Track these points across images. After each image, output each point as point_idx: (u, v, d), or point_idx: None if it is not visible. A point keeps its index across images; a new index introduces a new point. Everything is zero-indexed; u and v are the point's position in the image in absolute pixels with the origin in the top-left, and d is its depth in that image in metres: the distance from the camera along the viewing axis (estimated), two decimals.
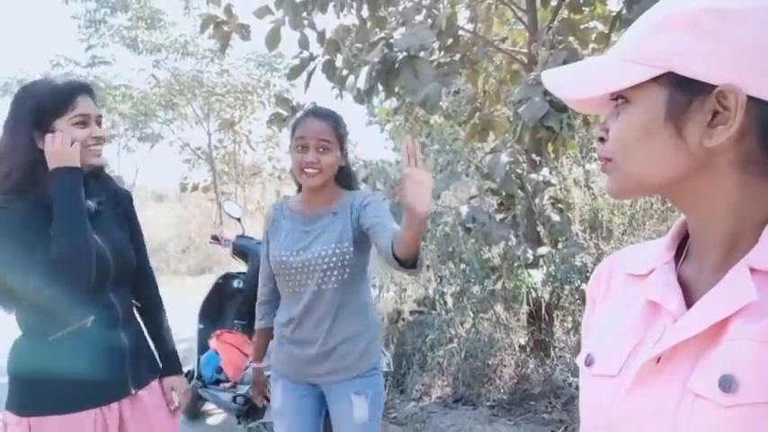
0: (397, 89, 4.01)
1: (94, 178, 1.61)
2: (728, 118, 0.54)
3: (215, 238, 3.61)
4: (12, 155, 1.44)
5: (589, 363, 0.63)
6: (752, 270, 0.54)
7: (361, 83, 4.04)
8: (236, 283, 3.53)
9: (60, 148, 1.42)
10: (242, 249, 3.49)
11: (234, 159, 12.03)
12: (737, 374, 0.49)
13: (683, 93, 0.55)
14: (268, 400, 1.81)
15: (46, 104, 1.45)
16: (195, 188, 11.96)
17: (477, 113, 5.12)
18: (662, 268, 0.63)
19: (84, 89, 1.51)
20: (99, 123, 1.53)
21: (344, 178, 1.81)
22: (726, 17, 0.54)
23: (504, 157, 4.70)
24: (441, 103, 4.76)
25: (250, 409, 2.84)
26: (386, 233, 1.54)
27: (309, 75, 4.33)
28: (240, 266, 3.66)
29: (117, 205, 1.65)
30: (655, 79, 0.56)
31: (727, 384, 0.50)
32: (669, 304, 0.58)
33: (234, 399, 2.86)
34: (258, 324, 1.88)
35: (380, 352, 1.85)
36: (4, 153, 1.45)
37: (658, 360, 0.55)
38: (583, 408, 0.63)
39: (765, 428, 0.48)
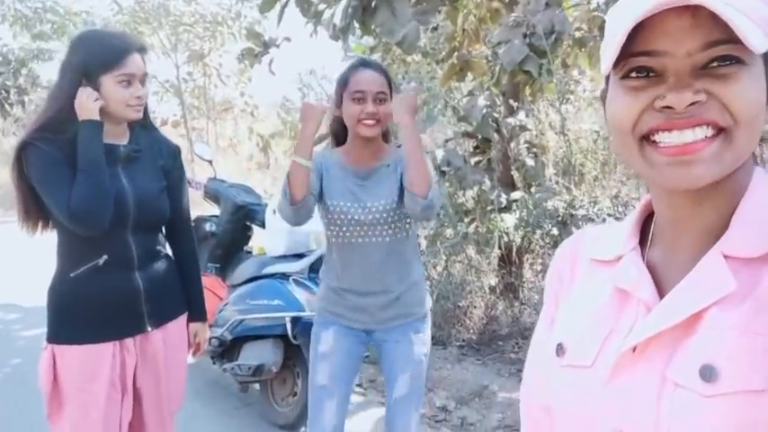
0: (373, 27, 3.87)
1: (143, 128, 1.71)
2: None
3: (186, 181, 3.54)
4: (58, 98, 1.56)
5: (560, 353, 0.62)
6: (725, 257, 0.53)
7: (337, 19, 3.89)
8: (208, 227, 3.48)
9: (84, 102, 1.53)
10: (214, 193, 3.43)
11: (204, 94, 11.66)
12: (717, 364, 0.50)
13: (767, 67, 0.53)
14: None
15: (96, 60, 1.54)
16: (164, 123, 11.60)
17: (456, 53, 5.00)
18: (629, 254, 0.61)
19: (135, 48, 1.59)
20: (143, 82, 1.61)
21: (386, 132, 1.84)
22: None
23: (482, 101, 4.65)
24: (418, 42, 4.64)
25: (225, 351, 2.88)
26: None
27: (283, 7, 4.14)
28: (212, 209, 3.61)
29: (158, 156, 1.72)
30: None
31: (707, 374, 0.50)
32: (641, 293, 0.57)
33: (209, 341, 2.89)
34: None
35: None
36: (53, 94, 1.59)
37: (634, 349, 0.55)
38: (556, 399, 0.62)
39: (747, 416, 0.48)
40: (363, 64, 1.76)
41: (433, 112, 5.60)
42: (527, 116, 4.65)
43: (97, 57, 1.54)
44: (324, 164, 1.80)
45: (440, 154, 4.60)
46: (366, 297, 1.78)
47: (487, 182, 4.49)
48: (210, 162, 3.52)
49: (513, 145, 4.60)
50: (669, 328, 0.53)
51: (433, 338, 3.83)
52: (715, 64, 0.51)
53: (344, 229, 1.75)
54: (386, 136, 1.85)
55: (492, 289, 4.21)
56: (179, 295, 1.80)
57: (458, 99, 5.52)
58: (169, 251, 1.81)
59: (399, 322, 1.80)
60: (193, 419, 2.86)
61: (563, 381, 0.61)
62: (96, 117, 1.54)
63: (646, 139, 0.54)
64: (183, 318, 1.81)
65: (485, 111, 4.55)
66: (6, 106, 14.57)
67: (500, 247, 4.23)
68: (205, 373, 3.35)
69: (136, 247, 1.64)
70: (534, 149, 4.86)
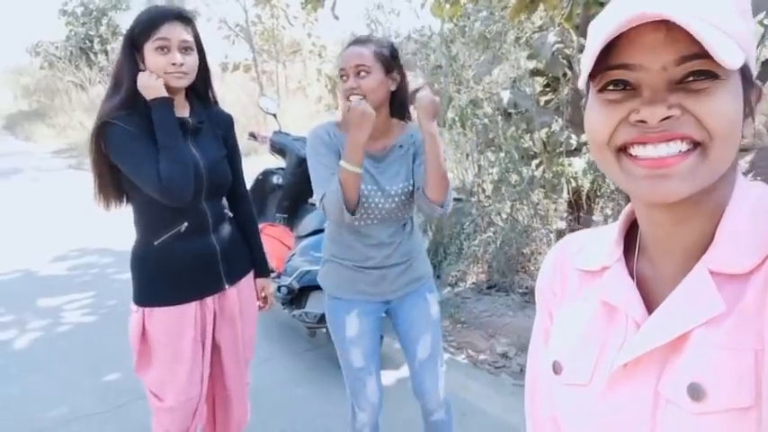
0: None
1: (199, 100, 1.78)
2: (750, 112, 0.55)
3: (252, 135, 3.64)
4: (119, 73, 1.64)
5: (557, 370, 0.63)
6: (711, 273, 0.53)
7: None
8: (275, 179, 3.61)
9: (146, 82, 1.59)
10: (279, 146, 3.52)
11: (273, 36, 11.70)
12: (704, 383, 0.50)
13: (746, 83, 0.54)
14: None
15: (137, 29, 1.61)
16: (236, 68, 11.82)
17: None
18: (615, 266, 0.61)
19: (173, 15, 1.62)
20: (184, 50, 1.63)
21: (398, 108, 1.77)
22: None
23: (552, 37, 4.41)
24: None
25: (294, 299, 3.05)
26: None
27: None
28: (279, 162, 3.72)
29: (216, 127, 1.81)
30: None
31: (694, 393, 0.50)
32: (630, 310, 0.58)
33: (278, 288, 3.06)
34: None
35: None
36: (114, 69, 1.67)
37: (625, 365, 0.56)
38: (560, 413, 0.64)
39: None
40: (352, 42, 1.71)
41: (505, 43, 5.33)
42: None
43: (137, 26, 1.61)
44: (339, 146, 1.73)
45: (506, 96, 4.45)
46: (384, 269, 1.78)
47: (557, 123, 4.32)
48: (275, 115, 3.60)
49: None
50: (658, 347, 0.54)
51: (495, 285, 3.89)
52: (691, 78, 0.50)
53: (366, 212, 1.72)
54: (402, 112, 1.78)
55: (559, 234, 4.14)
56: (247, 254, 1.92)
57: (527, 34, 5.25)
58: (231, 213, 1.91)
59: (414, 287, 1.82)
60: (266, 360, 3.08)
61: (563, 398, 0.63)
62: (164, 93, 1.60)
63: (623, 151, 0.54)
64: (252, 274, 1.93)
65: (555, 47, 4.33)
66: (91, 55, 15.28)
67: (568, 192, 4.12)
68: (277, 317, 3.57)
69: (210, 212, 1.76)
70: None
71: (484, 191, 4.39)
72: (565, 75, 4.38)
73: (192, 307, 1.74)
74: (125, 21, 14.99)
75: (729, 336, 0.51)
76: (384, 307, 1.87)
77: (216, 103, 1.86)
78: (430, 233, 4.38)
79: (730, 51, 0.48)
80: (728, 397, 0.49)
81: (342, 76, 1.68)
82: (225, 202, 1.88)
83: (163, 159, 1.58)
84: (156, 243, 1.70)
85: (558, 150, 4.16)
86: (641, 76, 0.52)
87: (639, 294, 0.58)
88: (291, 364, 3.12)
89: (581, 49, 4.26)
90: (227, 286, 1.81)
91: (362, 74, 1.64)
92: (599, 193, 4.16)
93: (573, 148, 4.14)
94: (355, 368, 1.83)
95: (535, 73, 4.65)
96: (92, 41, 15.43)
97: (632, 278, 0.60)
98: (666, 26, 0.49)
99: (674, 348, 0.53)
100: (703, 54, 0.48)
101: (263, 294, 1.99)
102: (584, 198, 4.12)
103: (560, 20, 4.56)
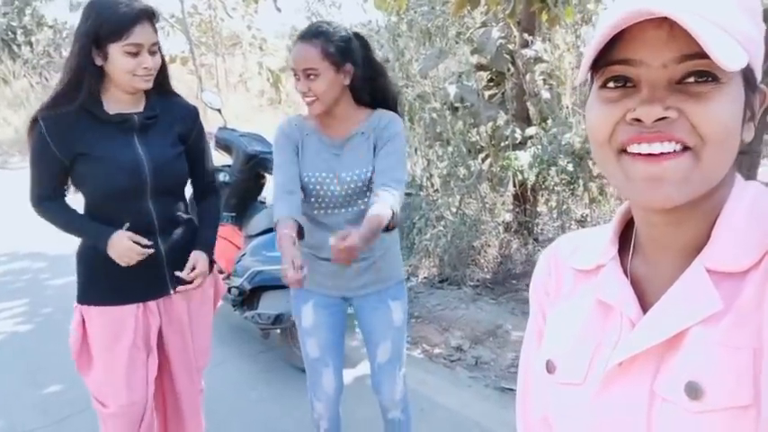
0: None
1: (157, 93, 1.70)
2: (751, 116, 0.54)
3: None
4: (71, 66, 1.57)
5: (551, 369, 0.63)
6: (708, 271, 0.53)
7: None
8: (221, 177, 3.49)
9: (122, 248, 1.61)
10: (225, 143, 3.42)
11: (211, 28, 11.36)
12: (702, 381, 0.50)
13: (749, 84, 0.53)
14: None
15: (104, 28, 1.53)
16: (173, 60, 11.41)
17: None
18: (610, 265, 0.61)
19: (144, 15, 1.55)
20: (153, 51, 1.60)
21: (361, 95, 1.72)
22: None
23: (496, 32, 4.48)
24: None
25: (245, 300, 2.97)
26: (374, 198, 1.58)
27: None
28: (224, 159, 3.61)
29: (175, 121, 1.72)
30: None
31: (692, 392, 0.50)
32: (625, 308, 0.58)
33: (229, 290, 2.97)
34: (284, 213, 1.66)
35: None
36: (67, 62, 1.59)
37: (620, 364, 0.56)
38: (552, 414, 0.63)
39: (733, 431, 0.49)
40: (299, 37, 1.65)
41: (447, 37, 5.38)
42: (543, 41, 4.48)
43: (106, 25, 1.53)
44: (299, 137, 1.72)
45: (452, 90, 4.48)
46: (341, 264, 1.72)
47: (502, 117, 4.39)
48: (220, 111, 3.48)
49: (528, 78, 4.46)
50: (654, 346, 0.54)
51: (447, 279, 3.93)
52: (691, 79, 0.50)
53: (320, 200, 1.71)
54: (367, 97, 1.73)
55: (506, 227, 4.22)
56: None
57: (471, 30, 5.31)
58: (190, 215, 1.83)
59: (376, 288, 1.78)
60: (219, 364, 2.99)
61: (556, 397, 0.62)
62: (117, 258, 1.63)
63: (624, 151, 0.54)
64: (205, 278, 1.85)
65: (499, 42, 4.39)
66: (14, 47, 14.39)
67: (514, 185, 4.21)
68: (228, 319, 3.47)
69: (156, 212, 1.69)
70: (550, 81, 4.71)
71: (433, 185, 4.42)
72: (509, 70, 4.46)
73: (133, 310, 1.69)
74: (50, 12, 14.19)
75: (727, 334, 0.51)
76: (345, 303, 1.85)
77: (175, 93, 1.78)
78: None
79: (730, 52, 0.47)
80: (727, 395, 0.49)
81: (294, 74, 1.66)
82: (181, 203, 1.79)
83: (52, 212, 1.69)
84: None
85: (503, 144, 4.24)
86: (641, 72, 0.51)
87: (634, 293, 0.58)
88: (245, 367, 3.05)
89: (524, 45, 4.35)
90: (172, 292, 1.75)
91: (312, 77, 1.61)
92: (543, 186, 4.27)
93: (518, 141, 4.23)
94: (311, 358, 1.83)
95: (480, 68, 4.71)
96: (15, 33, 14.53)
97: (627, 277, 0.60)
98: (669, 24, 0.49)
99: (670, 347, 0.53)
100: (705, 54, 0.47)
101: (193, 269, 1.75)
102: (529, 191, 4.22)
103: (503, 15, 4.63)
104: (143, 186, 1.63)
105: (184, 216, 1.80)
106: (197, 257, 1.79)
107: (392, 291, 1.80)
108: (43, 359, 3.15)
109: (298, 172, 1.70)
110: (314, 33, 1.63)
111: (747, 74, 0.52)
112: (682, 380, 0.51)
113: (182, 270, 1.72)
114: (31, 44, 14.04)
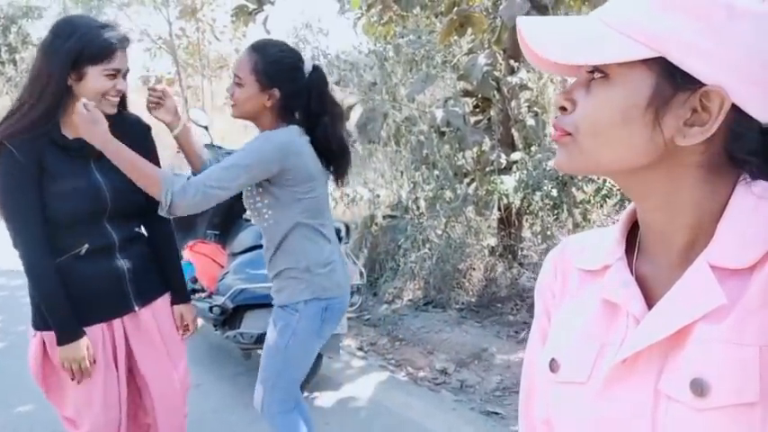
0: None
1: (113, 115, 1.65)
2: (706, 120, 0.51)
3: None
4: (39, 80, 1.53)
5: (554, 368, 0.62)
6: (712, 267, 0.53)
7: None
8: None
9: (89, 120, 1.50)
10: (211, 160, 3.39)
11: (198, 50, 11.41)
12: (707, 378, 0.50)
13: (671, 83, 0.52)
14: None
15: (88, 50, 1.52)
16: (159, 81, 11.40)
17: (456, 8, 4.86)
18: (616, 265, 0.60)
19: (125, 44, 1.58)
20: (125, 76, 1.61)
21: (287, 114, 1.76)
22: (734, 16, 0.49)
23: (482, 59, 4.55)
24: None
25: (227, 319, 2.91)
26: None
27: None
28: None
29: (130, 142, 1.63)
30: (644, 61, 0.52)
31: (698, 389, 0.50)
32: (630, 306, 0.57)
33: (210, 309, 2.92)
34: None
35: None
36: (37, 79, 1.53)
37: (624, 361, 0.55)
38: (554, 414, 0.62)
39: (740, 428, 0.48)
40: (250, 44, 1.76)
41: (433, 65, 5.47)
42: (528, 72, 4.56)
43: (90, 47, 1.51)
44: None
45: (439, 114, 4.53)
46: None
47: (487, 142, 4.44)
48: (206, 128, 3.47)
49: (513, 104, 4.52)
50: (657, 342, 0.53)
51: (432, 301, 3.91)
52: (595, 75, 0.55)
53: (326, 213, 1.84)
54: (292, 118, 1.77)
55: (491, 251, 4.23)
56: (160, 274, 1.79)
57: (458, 56, 5.40)
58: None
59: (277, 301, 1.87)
60: (197, 386, 2.91)
61: (559, 396, 0.61)
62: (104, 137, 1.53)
63: None
64: (168, 296, 1.80)
65: (485, 69, 4.46)
66: None
67: (499, 209, 4.23)
68: (207, 339, 3.40)
69: (116, 233, 1.66)
70: (535, 108, 4.79)
71: (419, 208, 4.42)
72: (494, 96, 4.53)
73: (99, 330, 1.65)
74: (37, 29, 14.16)
75: (732, 331, 0.50)
76: None
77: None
78: (365, 250, 4.36)
79: (617, 50, 0.51)
80: (733, 392, 0.49)
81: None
82: (138, 220, 1.75)
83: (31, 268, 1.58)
84: (56, 263, 1.59)
85: (488, 169, 4.28)
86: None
87: (641, 292, 0.58)
88: (225, 389, 2.98)
89: (509, 72, 4.42)
90: (136, 308, 1.70)
91: (237, 84, 1.70)
92: (528, 210, 4.30)
93: (503, 166, 4.27)
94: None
95: (466, 94, 4.78)
96: None
97: (633, 277, 0.59)
98: None
99: (675, 345, 0.53)
100: None
101: (184, 323, 1.82)
102: (514, 215, 4.25)
103: (489, 42, 4.72)
104: (102, 211, 1.62)
105: (142, 232, 1.77)
106: (181, 312, 1.80)
107: (280, 310, 1.86)
108: (14, 379, 3.04)
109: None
110: (257, 47, 1.72)
111: (672, 70, 0.51)
112: (687, 377, 0.51)
113: (145, 286, 1.71)
114: (15, 62, 13.95)
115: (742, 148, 0.53)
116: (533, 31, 0.56)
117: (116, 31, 1.57)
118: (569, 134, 0.56)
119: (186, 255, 3.43)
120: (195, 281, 3.34)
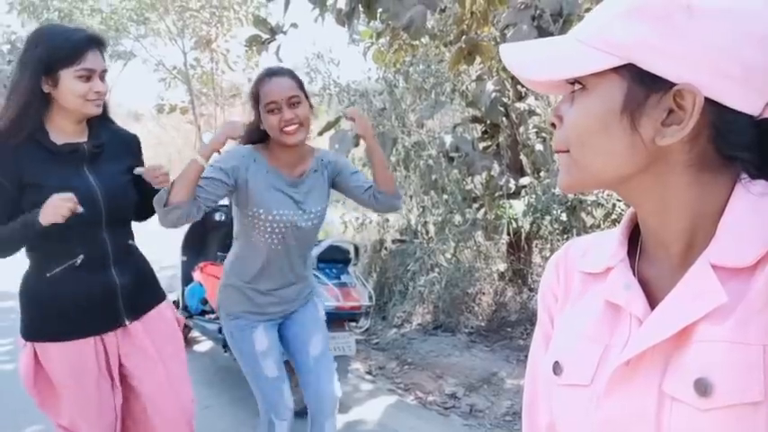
0: (379, 12, 3.84)
1: (100, 121, 1.68)
2: (682, 119, 0.52)
3: None
4: (20, 94, 1.53)
5: (557, 371, 0.62)
6: (713, 267, 0.53)
7: (342, 4, 3.86)
8: (217, 216, 3.50)
9: (55, 206, 1.47)
10: None
11: (212, 80, 11.64)
12: (711, 378, 0.50)
13: (642, 87, 0.53)
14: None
15: (56, 54, 1.52)
16: (173, 109, 11.62)
17: (464, 37, 4.94)
18: (619, 267, 0.61)
19: (95, 42, 1.57)
20: (102, 77, 1.60)
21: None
22: (694, 15, 0.51)
23: (490, 85, 4.61)
24: (425, 26, 4.58)
25: None
26: (368, 188, 1.88)
27: None
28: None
29: (120, 150, 1.71)
30: (615, 69, 0.53)
31: (702, 388, 0.50)
32: (633, 308, 0.57)
33: (219, 330, 2.92)
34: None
35: None
36: (13, 90, 1.54)
37: (627, 362, 0.55)
38: (557, 417, 0.62)
39: (745, 428, 0.48)
40: (269, 74, 1.77)
41: (442, 94, 5.55)
42: (536, 99, 4.61)
43: (56, 51, 1.52)
44: (248, 169, 1.79)
45: (448, 140, 4.58)
46: (287, 288, 1.91)
47: (496, 167, 4.46)
48: (219, 152, 3.52)
49: (521, 130, 4.56)
50: (661, 342, 0.53)
51: (441, 325, 3.89)
52: (575, 87, 0.56)
53: (282, 236, 1.80)
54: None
55: (501, 275, 4.21)
56: (155, 285, 1.81)
57: (466, 83, 5.47)
58: (138, 244, 1.79)
59: (305, 296, 1.99)
60: (206, 408, 2.90)
61: (563, 399, 0.61)
62: (50, 221, 1.48)
63: None
64: (163, 306, 1.80)
65: (493, 96, 4.51)
66: None
67: (509, 234, 4.23)
68: (217, 361, 3.40)
69: (110, 243, 1.65)
70: (543, 134, 4.82)
71: (428, 232, 4.44)
72: (503, 122, 4.57)
73: (90, 343, 1.64)
74: None
75: (735, 330, 0.50)
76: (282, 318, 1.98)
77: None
78: (375, 274, 4.36)
79: (584, 62, 0.54)
80: (737, 392, 0.49)
81: (272, 110, 1.72)
82: (131, 231, 1.76)
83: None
84: (48, 275, 1.58)
85: (497, 194, 4.29)
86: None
87: (643, 293, 0.58)
88: (233, 412, 2.96)
89: (517, 98, 4.47)
90: (127, 322, 1.69)
91: (295, 104, 1.73)
92: (538, 235, 4.30)
93: (512, 191, 4.29)
94: (271, 378, 1.90)
95: (475, 120, 4.83)
96: None
97: (635, 278, 0.60)
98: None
99: (678, 345, 0.53)
100: None
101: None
102: (523, 239, 4.24)
103: (497, 69, 4.78)
104: (98, 217, 1.60)
105: (134, 245, 1.77)
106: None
107: (312, 291, 2.03)
108: (24, 400, 3.04)
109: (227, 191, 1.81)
110: (282, 70, 1.80)
111: (641, 74, 0.53)
112: (690, 377, 0.51)
113: (137, 302, 1.70)
114: None
115: (730, 144, 0.53)
116: (514, 55, 0.59)
117: (84, 33, 1.57)
118: (567, 151, 0.57)
119: (197, 276, 3.46)
120: (205, 302, 3.36)
